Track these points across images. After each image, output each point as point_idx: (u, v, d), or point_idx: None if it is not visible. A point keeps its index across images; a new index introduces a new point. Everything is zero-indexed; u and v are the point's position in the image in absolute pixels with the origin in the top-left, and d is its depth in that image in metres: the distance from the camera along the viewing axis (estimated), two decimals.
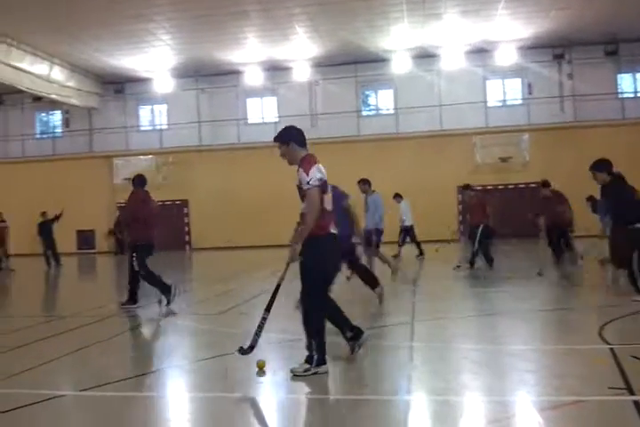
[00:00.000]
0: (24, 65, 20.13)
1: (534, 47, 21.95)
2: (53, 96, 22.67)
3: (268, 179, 21.38)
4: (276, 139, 4.73)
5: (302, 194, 4.49)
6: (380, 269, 10.25)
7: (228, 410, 3.94)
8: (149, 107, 26.18)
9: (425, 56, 22.48)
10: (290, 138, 4.67)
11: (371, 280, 7.80)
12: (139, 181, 8.55)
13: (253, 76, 23.88)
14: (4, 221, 18.28)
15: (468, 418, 3.63)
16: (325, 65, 23.26)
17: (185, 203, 24.87)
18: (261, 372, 4.47)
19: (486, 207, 11.91)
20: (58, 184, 24.58)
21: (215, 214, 23.57)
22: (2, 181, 24.81)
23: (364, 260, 10.27)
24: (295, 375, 4.38)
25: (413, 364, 4.83)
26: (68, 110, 25.78)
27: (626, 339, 5.43)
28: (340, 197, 7.23)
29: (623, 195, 7.13)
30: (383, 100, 24.84)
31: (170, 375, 4.92)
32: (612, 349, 4.81)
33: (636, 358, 4.49)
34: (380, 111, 25.00)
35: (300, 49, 21.85)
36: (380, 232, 10.38)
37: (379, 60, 22.60)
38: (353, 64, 23.24)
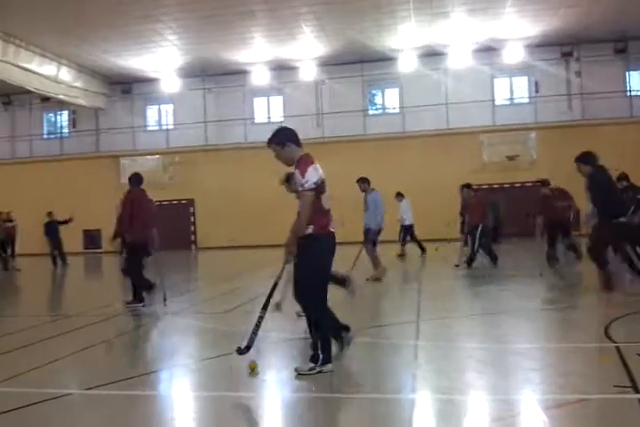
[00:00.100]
0: (32, 66, 20.25)
1: (542, 45, 21.83)
2: (61, 96, 22.78)
3: (275, 178, 21.35)
4: (270, 141, 4.65)
5: (298, 195, 4.48)
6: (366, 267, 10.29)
7: (232, 409, 3.95)
8: (156, 107, 26.25)
9: (432, 55, 22.42)
10: (286, 139, 4.62)
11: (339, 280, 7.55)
12: (135, 179, 8.49)
13: (260, 76, 23.89)
14: (12, 220, 18.41)
15: (473, 417, 3.62)
16: (332, 64, 23.25)
17: (191, 202, 24.93)
18: (253, 373, 4.43)
19: (485, 207, 11.91)
20: (65, 184, 24.71)
21: (221, 214, 23.60)
22: (9, 181, 24.97)
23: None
24: (300, 374, 4.38)
25: (418, 362, 4.82)
26: (75, 110, 25.90)
27: (631, 337, 5.38)
28: None
29: (607, 188, 7.08)
30: (390, 99, 24.79)
31: (175, 374, 4.93)
32: (617, 347, 4.79)
33: None
34: (387, 110, 24.97)
35: (307, 48, 21.84)
36: (378, 231, 10.29)
37: (385, 58, 22.56)
38: (359, 63, 23.22)
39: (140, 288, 8.21)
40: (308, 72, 23.52)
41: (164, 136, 25.50)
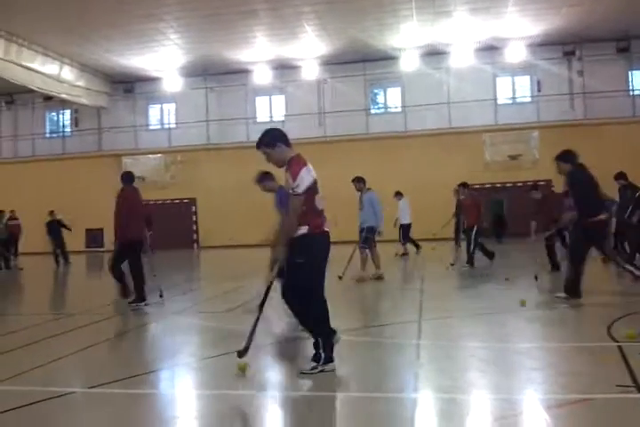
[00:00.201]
0: (35, 65, 20.28)
1: (544, 44, 21.81)
2: (63, 96, 22.81)
3: (278, 177, 21.35)
4: (260, 144, 4.59)
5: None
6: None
7: (234, 408, 3.96)
8: (158, 106, 26.27)
9: (434, 54, 22.40)
10: (276, 139, 4.58)
11: None
12: (127, 177, 8.48)
13: (262, 75, 23.89)
14: (16, 218, 18.45)
15: (475, 416, 3.62)
16: (334, 63, 23.24)
17: (193, 201, 24.95)
18: (242, 374, 4.41)
19: (480, 208, 11.90)
20: (67, 183, 24.75)
21: (223, 213, 23.60)
22: (12, 180, 25.01)
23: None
24: (302, 373, 4.38)
25: (420, 362, 4.83)
26: (77, 110, 25.93)
27: (634, 337, 5.36)
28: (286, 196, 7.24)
29: (586, 187, 7.06)
30: (392, 98, 24.78)
31: (177, 373, 4.94)
32: (619, 346, 4.79)
33: None
34: (389, 109, 24.95)
35: (309, 47, 21.84)
36: (374, 231, 10.24)
37: (387, 57, 22.54)
38: (361, 62, 23.21)
39: (139, 288, 8.20)
40: (310, 71, 23.51)
41: (166, 135, 25.51)
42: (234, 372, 4.41)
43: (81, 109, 25.76)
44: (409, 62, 22.63)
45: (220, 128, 24.61)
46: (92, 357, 5.55)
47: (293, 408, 3.94)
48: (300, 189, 4.35)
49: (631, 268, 7.61)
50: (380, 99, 25.43)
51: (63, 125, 27.09)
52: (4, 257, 17.12)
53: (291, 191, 4.39)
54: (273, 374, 4.54)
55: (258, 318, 4.58)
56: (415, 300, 8.01)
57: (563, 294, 6.98)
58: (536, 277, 9.06)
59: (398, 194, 16.01)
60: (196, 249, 24.60)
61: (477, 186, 21.88)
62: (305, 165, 4.47)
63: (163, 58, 22.59)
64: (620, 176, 11.37)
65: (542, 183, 21.16)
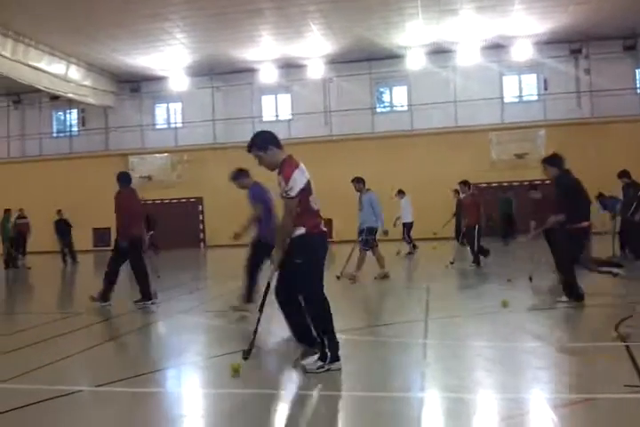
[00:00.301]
0: (42, 65, 20.36)
1: (551, 42, 21.71)
2: (70, 95, 22.89)
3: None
4: (252, 147, 4.56)
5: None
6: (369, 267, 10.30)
7: (240, 407, 3.96)
8: (165, 105, 26.33)
9: (440, 52, 22.34)
10: (267, 143, 4.54)
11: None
12: (124, 179, 8.50)
13: (268, 74, 23.90)
14: (25, 217, 18.56)
15: (482, 415, 3.62)
16: (339, 62, 23.23)
17: (199, 200, 25.00)
18: (236, 374, 4.41)
19: (480, 207, 11.86)
20: (74, 182, 24.84)
21: (230, 212, 23.57)
22: (20, 180, 25.13)
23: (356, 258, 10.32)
24: (308, 372, 4.39)
25: (427, 361, 4.83)
26: (84, 109, 26.02)
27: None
28: (261, 193, 7.22)
29: (572, 192, 7.01)
30: (398, 96, 24.74)
31: (184, 372, 4.96)
32: (627, 346, 4.77)
33: None
34: (395, 108, 24.92)
35: (315, 46, 21.83)
36: (373, 231, 10.18)
37: (393, 56, 22.51)
38: (367, 61, 23.18)
39: (145, 288, 8.25)
40: (316, 70, 23.50)
41: (173, 134, 25.57)
42: (230, 373, 4.42)
43: (88, 109, 25.84)
44: (415, 61, 22.58)
45: (226, 127, 24.64)
46: (99, 355, 5.57)
47: (299, 407, 3.95)
48: (294, 193, 4.34)
49: (607, 268, 7.46)
50: (386, 97, 25.40)
51: (70, 125, 27.18)
52: (11, 256, 17.20)
53: (284, 195, 4.37)
54: (278, 373, 4.54)
55: (259, 319, 4.58)
56: (420, 299, 8.00)
57: (565, 298, 6.94)
58: (530, 279, 8.91)
59: (400, 192, 16.04)
60: (203, 248, 24.65)
61: (484, 185, 21.86)
62: (297, 166, 4.45)
63: (169, 57, 22.63)
64: (624, 174, 11.32)
65: (547, 182, 21.16)
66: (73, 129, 26.98)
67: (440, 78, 22.84)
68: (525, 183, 21.96)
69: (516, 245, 17.21)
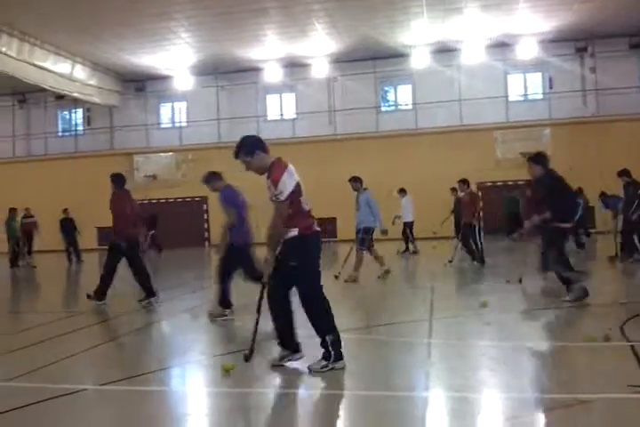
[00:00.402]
0: (47, 64, 20.42)
1: (556, 41, 21.63)
2: (75, 94, 22.95)
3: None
4: (238, 153, 4.55)
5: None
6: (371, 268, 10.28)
7: (244, 405, 3.97)
8: (169, 104, 26.36)
9: (445, 51, 22.30)
10: (254, 148, 4.53)
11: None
12: (117, 180, 8.48)
13: (272, 73, 23.90)
14: (32, 216, 18.65)
15: (486, 415, 3.62)
16: (344, 61, 23.21)
17: (204, 200, 24.97)
18: (227, 374, 4.41)
19: (478, 206, 11.83)
20: (80, 181, 24.89)
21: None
22: (25, 179, 25.22)
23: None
24: (312, 371, 4.38)
25: (431, 361, 4.82)
26: (89, 108, 26.09)
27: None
28: (233, 197, 7.15)
29: (554, 191, 6.99)
30: (402, 95, 24.70)
31: (188, 371, 4.97)
32: (632, 346, 4.75)
33: None
34: (400, 107, 24.88)
35: (319, 45, 21.83)
36: (370, 231, 10.12)
37: (398, 55, 22.48)
38: (372, 60, 23.16)
39: (147, 286, 8.27)
40: (321, 69, 23.49)
41: (178, 133, 25.61)
42: (244, 369, 4.43)
43: (93, 108, 25.90)
44: (420, 59, 22.54)
45: (230, 126, 24.64)
46: (103, 354, 5.59)
47: (303, 406, 3.96)
48: (283, 196, 4.34)
49: (569, 274, 7.38)
50: (391, 96, 25.36)
51: (75, 124, 27.26)
52: (16, 255, 17.26)
53: (274, 198, 4.37)
54: (282, 372, 4.54)
55: (257, 322, 4.56)
56: (424, 298, 7.99)
57: (569, 296, 6.91)
58: (520, 280, 8.78)
59: (402, 191, 16.01)
60: (207, 247, 24.68)
61: (489, 183, 21.85)
62: (285, 169, 4.43)
63: (174, 56, 22.67)
64: (624, 173, 11.29)
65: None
66: (78, 128, 27.04)
67: (445, 77, 22.79)
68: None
69: (521, 244, 17.11)
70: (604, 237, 12.99)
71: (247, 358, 4.51)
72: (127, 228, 8.25)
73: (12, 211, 17.59)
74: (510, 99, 23.21)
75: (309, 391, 4.19)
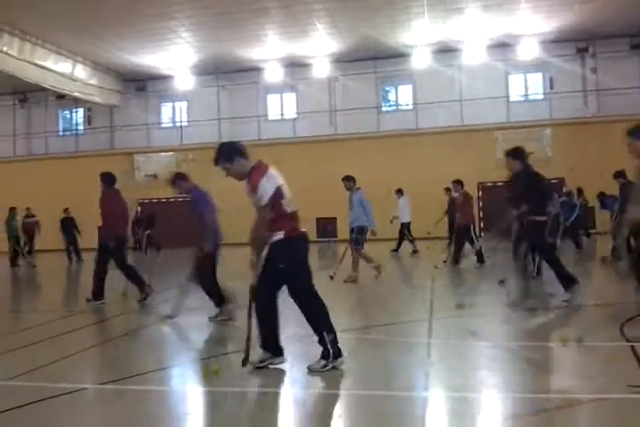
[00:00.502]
0: (48, 63, 20.44)
1: (557, 41, 21.63)
2: (76, 94, 22.96)
3: (288, 175, 21.34)
4: (218, 160, 4.54)
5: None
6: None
7: (244, 405, 3.98)
8: (170, 104, 26.39)
9: (446, 51, 22.30)
10: (233, 154, 4.52)
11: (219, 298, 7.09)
12: (107, 180, 8.48)
13: (273, 73, 23.91)
14: (33, 216, 18.68)
15: (486, 415, 3.62)
16: (345, 61, 23.22)
17: None
18: (215, 376, 4.42)
19: (472, 207, 11.84)
20: (80, 180, 24.84)
21: (235, 211, 23.60)
22: (26, 178, 25.22)
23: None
24: (312, 371, 4.38)
25: (431, 361, 4.82)
26: (90, 108, 26.12)
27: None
28: (203, 198, 7.15)
29: (530, 186, 7.01)
30: (403, 95, 24.70)
31: (188, 370, 4.97)
32: (632, 346, 4.75)
33: None
34: (400, 107, 24.88)
35: (320, 45, 21.83)
36: (364, 230, 10.08)
37: (399, 55, 22.49)
38: (372, 60, 23.16)
39: (139, 282, 8.35)
40: (322, 69, 23.50)
41: (178, 133, 25.61)
42: (245, 369, 4.43)
43: (94, 108, 25.93)
44: (420, 60, 22.56)
45: (231, 126, 24.66)
46: (103, 353, 5.60)
47: (303, 406, 3.95)
48: (264, 201, 4.33)
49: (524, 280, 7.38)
50: (392, 96, 25.36)
51: (76, 124, 27.28)
52: (17, 254, 17.27)
53: (255, 204, 4.36)
54: (281, 372, 4.54)
55: (249, 325, 4.53)
56: (424, 298, 7.99)
57: (568, 296, 6.91)
58: (502, 281, 8.53)
59: (399, 192, 16.06)
60: None
61: (490, 184, 21.83)
62: (265, 173, 4.42)
63: (174, 56, 22.68)
64: (619, 175, 11.30)
65: (555, 181, 21.07)
66: (79, 128, 27.07)
67: (446, 77, 22.79)
68: None
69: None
70: (603, 238, 13.00)
71: (244, 363, 4.48)
72: (115, 227, 8.29)
73: (12, 210, 17.60)
74: (511, 99, 23.22)
75: (309, 391, 4.19)
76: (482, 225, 21.15)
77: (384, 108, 24.77)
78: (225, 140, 23.87)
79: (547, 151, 21.94)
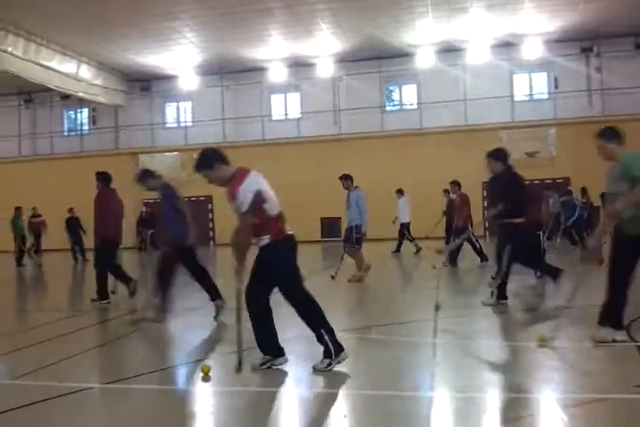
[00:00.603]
0: (53, 64, 20.49)
1: (561, 41, 21.57)
2: (81, 94, 23.03)
3: (292, 175, 21.44)
4: (199, 166, 4.51)
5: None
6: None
7: (249, 404, 3.98)
8: (175, 104, 26.43)
9: (450, 50, 22.26)
10: (212, 160, 4.50)
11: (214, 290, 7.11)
12: (104, 179, 8.52)
13: (277, 73, 23.91)
14: (39, 215, 18.74)
15: (492, 415, 3.62)
16: (349, 61, 23.21)
17: (209, 199, 25.03)
18: (206, 377, 4.43)
19: (470, 208, 11.82)
20: (85, 180, 24.77)
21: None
22: (31, 178, 25.31)
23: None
24: (317, 371, 4.40)
25: (436, 360, 4.82)
26: (95, 108, 26.17)
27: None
28: (175, 194, 7.08)
29: (510, 188, 6.99)
30: (407, 95, 24.67)
31: (193, 369, 4.97)
32: (638, 346, 4.74)
33: None
34: (404, 106, 24.85)
35: (324, 45, 21.83)
36: (360, 229, 10.02)
37: (403, 54, 22.46)
38: (377, 59, 23.14)
39: (102, 284, 8.37)
40: (326, 69, 23.49)
41: (183, 133, 25.66)
42: (249, 368, 4.44)
43: (98, 108, 25.98)
44: (425, 59, 22.52)
45: (235, 126, 24.70)
46: (109, 353, 5.62)
47: (308, 406, 3.96)
48: (244, 208, 4.30)
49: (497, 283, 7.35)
50: (396, 96, 25.34)
51: (81, 124, 27.35)
52: (22, 253, 17.32)
53: (236, 211, 4.35)
54: (286, 372, 4.55)
55: (239, 330, 4.51)
56: (429, 298, 7.96)
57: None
58: (493, 278, 8.25)
59: (399, 192, 16.05)
60: (212, 246, 24.72)
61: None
62: (244, 180, 4.38)
63: (179, 56, 22.71)
64: None
65: (560, 181, 21.03)
66: (84, 128, 27.13)
67: (450, 77, 22.75)
68: (536, 182, 21.94)
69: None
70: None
71: (238, 369, 4.41)
72: (110, 226, 8.32)
73: (18, 210, 17.67)
74: (515, 99, 23.16)
75: (314, 391, 4.19)
76: (486, 224, 21.10)
77: (388, 108, 24.75)
78: (229, 140, 24.22)
79: (551, 151, 21.91)
